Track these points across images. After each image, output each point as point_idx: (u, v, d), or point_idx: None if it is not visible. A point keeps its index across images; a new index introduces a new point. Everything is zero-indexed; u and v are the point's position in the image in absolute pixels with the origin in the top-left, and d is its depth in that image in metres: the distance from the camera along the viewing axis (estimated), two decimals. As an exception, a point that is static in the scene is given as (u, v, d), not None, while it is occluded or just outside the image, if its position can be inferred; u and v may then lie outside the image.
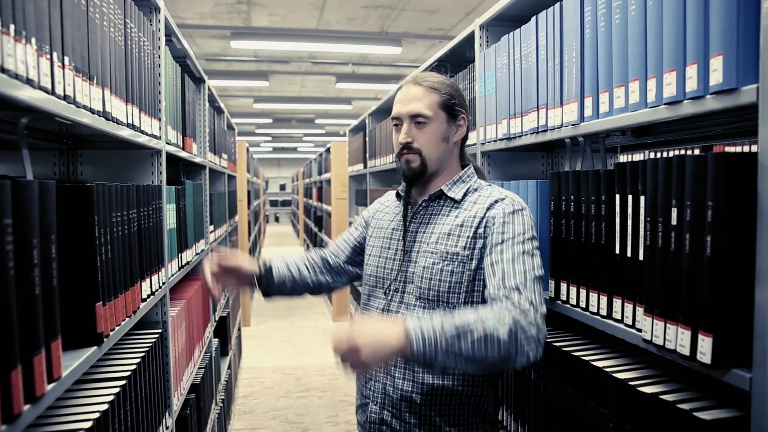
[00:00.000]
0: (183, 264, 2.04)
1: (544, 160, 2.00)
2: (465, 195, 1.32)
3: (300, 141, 20.75)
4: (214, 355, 2.93)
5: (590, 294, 1.25)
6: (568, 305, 1.34)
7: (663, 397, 0.97)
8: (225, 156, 3.90)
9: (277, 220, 25.25)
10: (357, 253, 1.51)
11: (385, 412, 1.28)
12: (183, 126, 2.15)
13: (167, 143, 1.79)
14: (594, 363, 1.19)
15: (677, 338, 0.92)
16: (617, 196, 1.15)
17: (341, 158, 6.34)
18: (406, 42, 7.26)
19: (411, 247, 1.30)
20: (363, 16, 6.73)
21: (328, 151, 7.83)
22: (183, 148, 2.14)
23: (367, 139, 4.29)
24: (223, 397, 3.30)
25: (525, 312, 1.08)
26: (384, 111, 3.93)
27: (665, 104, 0.99)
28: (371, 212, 1.53)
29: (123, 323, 1.22)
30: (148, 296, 1.48)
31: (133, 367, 1.29)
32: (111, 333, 1.12)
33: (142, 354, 1.40)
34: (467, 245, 1.23)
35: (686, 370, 1.05)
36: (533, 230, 1.24)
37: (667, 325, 0.95)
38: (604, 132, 1.26)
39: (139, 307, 1.36)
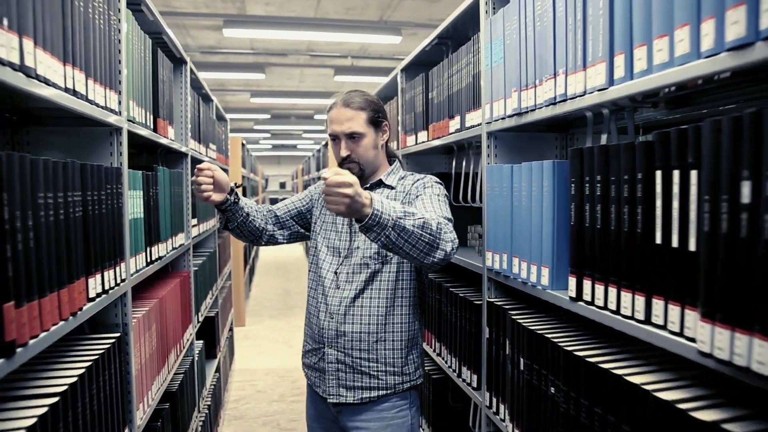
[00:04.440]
0: (153, 259, 1.83)
1: (558, 143, 1.78)
2: (397, 182, 1.66)
3: (299, 138, 20.53)
4: (197, 358, 2.72)
5: (622, 293, 1.03)
6: (594, 307, 1.12)
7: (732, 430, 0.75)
8: (213, 147, 3.69)
9: (277, 218, 24.95)
10: (300, 216, 1.79)
11: (339, 352, 1.57)
12: (155, 106, 1.93)
13: (130, 121, 1.58)
14: (629, 378, 0.98)
15: (752, 352, 0.71)
16: (658, 173, 0.93)
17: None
18: (407, 33, 7.03)
19: (353, 220, 1.48)
20: (362, 5, 6.50)
21: (326, 146, 7.63)
22: (155, 130, 1.93)
23: (364, 129, 4.07)
24: (209, 403, 3.08)
25: (446, 223, 1.37)
26: (382, 99, 3.70)
27: (728, 50, 0.77)
28: (318, 191, 1.78)
29: (54, 328, 1.00)
30: (99, 295, 1.27)
31: (72, 380, 1.07)
32: (31, 341, 0.90)
33: (88, 363, 1.18)
34: None
35: (754, 390, 0.83)
36: (445, 192, 1.59)
37: (736, 334, 0.73)
38: (640, 94, 1.04)
39: (82, 308, 1.15)
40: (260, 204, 1.79)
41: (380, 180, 1.65)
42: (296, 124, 16.15)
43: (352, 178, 1.19)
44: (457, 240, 1.38)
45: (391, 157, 1.73)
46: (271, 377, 4.50)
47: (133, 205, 1.60)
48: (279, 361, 4.89)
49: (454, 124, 2.01)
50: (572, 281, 1.20)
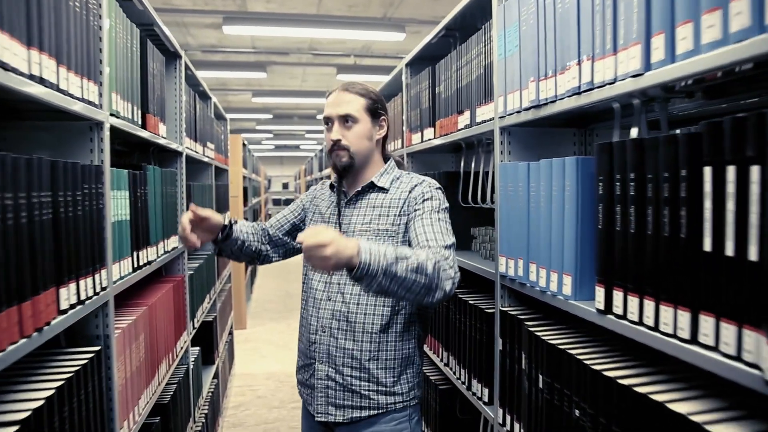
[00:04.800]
0: (141, 264, 1.70)
1: (576, 139, 1.65)
2: (391, 183, 1.53)
3: (302, 138, 20.42)
4: (192, 366, 2.60)
5: (661, 308, 0.90)
6: (626, 321, 0.99)
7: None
8: (211, 146, 3.57)
9: (279, 218, 24.85)
10: (294, 230, 1.68)
11: (329, 369, 1.47)
12: (144, 101, 1.81)
13: (113, 115, 1.46)
14: (673, 407, 0.85)
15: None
16: (707, 169, 0.80)
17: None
18: (410, 31, 6.90)
19: (347, 228, 1.51)
20: (364, 2, 6.37)
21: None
22: (144, 127, 1.81)
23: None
24: (206, 411, 2.96)
25: (445, 257, 1.32)
26: (385, 97, 3.58)
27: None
28: (309, 198, 1.70)
29: (12, 347, 0.88)
30: (74, 306, 1.14)
31: (38, 404, 0.95)
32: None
33: (60, 383, 1.06)
34: (394, 222, 1.47)
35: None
36: (445, 203, 1.49)
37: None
38: (683, 79, 0.91)
39: (50, 322, 1.02)
40: (257, 222, 1.76)
41: (372, 182, 1.52)
42: (299, 124, 16.04)
43: (328, 237, 1.13)
44: (458, 274, 1.34)
45: (386, 159, 1.60)
46: (272, 382, 4.38)
47: (117, 206, 1.48)
48: (280, 365, 4.77)
49: (464, 119, 1.88)
50: (600, 292, 1.07)
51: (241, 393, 4.18)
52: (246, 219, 1.86)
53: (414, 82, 2.54)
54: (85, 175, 1.21)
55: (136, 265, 1.66)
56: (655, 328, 0.92)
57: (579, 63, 1.13)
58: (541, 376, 1.28)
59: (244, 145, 7.38)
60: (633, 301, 0.97)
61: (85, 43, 1.25)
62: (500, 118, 1.56)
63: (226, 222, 1.54)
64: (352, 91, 1.51)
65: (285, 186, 25.54)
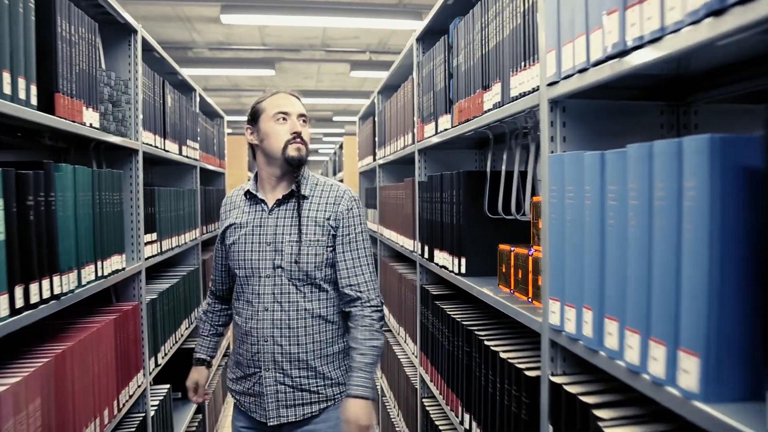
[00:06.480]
0: (33, 303, 1.20)
1: (664, 119, 1.10)
2: (311, 191, 1.60)
3: (320, 142, 20.01)
4: (152, 413, 2.10)
5: None
6: None
7: None
8: (194, 145, 3.08)
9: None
10: (230, 269, 1.68)
11: (277, 374, 1.55)
12: (46, 74, 1.32)
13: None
14: None
15: None
16: None
17: (353, 153, 5.49)
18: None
19: (273, 239, 1.56)
20: (378, -10, 5.86)
21: (341, 147, 7.01)
22: (49, 110, 1.31)
23: (376, 121, 3.42)
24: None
25: (374, 308, 1.56)
26: (392, 87, 3.03)
27: None
28: (223, 223, 1.69)
29: None
30: None
31: None
32: None
33: None
34: (323, 233, 1.56)
35: None
36: (364, 218, 1.63)
37: None
38: None
39: None
40: (205, 299, 2.00)
41: (292, 190, 1.57)
42: (315, 127, 15.60)
43: (367, 420, 1.48)
44: (383, 303, 1.61)
45: None
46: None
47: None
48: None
49: (491, 97, 1.34)
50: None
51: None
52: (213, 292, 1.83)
53: (427, 58, 2.02)
54: None
55: (23, 304, 1.16)
56: None
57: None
58: None
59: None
60: None
61: None
62: (549, 86, 1.02)
63: (208, 361, 1.82)
64: (299, 100, 1.63)
65: (304, 190, 25.12)
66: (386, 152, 3.00)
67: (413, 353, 2.39)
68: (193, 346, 2.99)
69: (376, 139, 3.39)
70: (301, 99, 1.65)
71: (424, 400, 2.23)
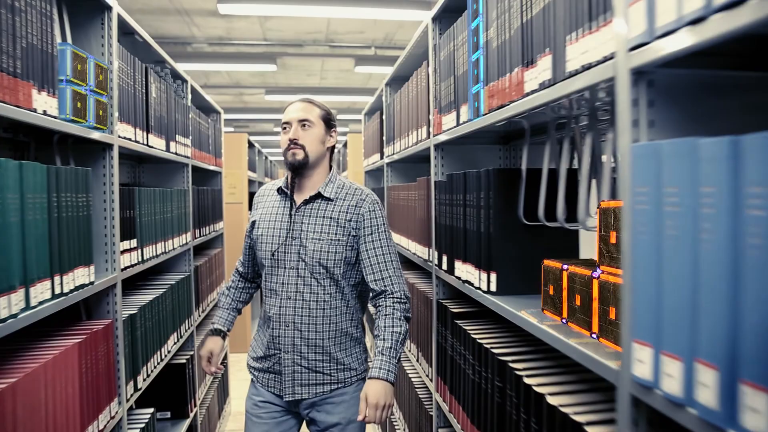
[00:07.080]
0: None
1: (781, 97, 0.82)
2: (336, 194, 1.73)
3: (324, 141, 19.69)
4: (130, 446, 1.83)
5: None
6: None
7: None
8: (185, 141, 2.81)
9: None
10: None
11: (295, 356, 1.69)
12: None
13: None
14: None
15: None
16: None
17: (358, 152, 5.22)
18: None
19: (299, 234, 1.70)
20: (385, -20, 5.57)
21: (345, 146, 6.74)
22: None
23: (384, 116, 3.15)
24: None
25: (398, 299, 1.67)
26: (401, 78, 2.76)
27: None
28: (256, 214, 1.83)
29: None
30: None
31: None
32: None
33: None
34: (344, 233, 1.68)
35: None
36: (386, 219, 1.74)
37: None
38: None
39: None
40: (233, 273, 1.98)
41: (318, 192, 1.71)
42: (319, 125, 15.28)
43: (385, 400, 1.56)
44: (409, 297, 1.71)
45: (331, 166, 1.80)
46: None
47: None
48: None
49: (537, 74, 1.07)
50: None
51: (231, 441, 3.44)
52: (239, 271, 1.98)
53: (445, 40, 1.74)
54: None
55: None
56: None
57: None
58: None
59: (251, 145, 6.67)
60: None
61: None
62: (632, 50, 0.74)
63: (224, 333, 1.87)
64: (310, 104, 1.73)
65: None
66: (395, 149, 2.73)
67: (427, 375, 2.11)
68: (186, 359, 2.74)
69: (384, 135, 3.11)
70: (313, 100, 1.75)
71: (441, 430, 1.96)
